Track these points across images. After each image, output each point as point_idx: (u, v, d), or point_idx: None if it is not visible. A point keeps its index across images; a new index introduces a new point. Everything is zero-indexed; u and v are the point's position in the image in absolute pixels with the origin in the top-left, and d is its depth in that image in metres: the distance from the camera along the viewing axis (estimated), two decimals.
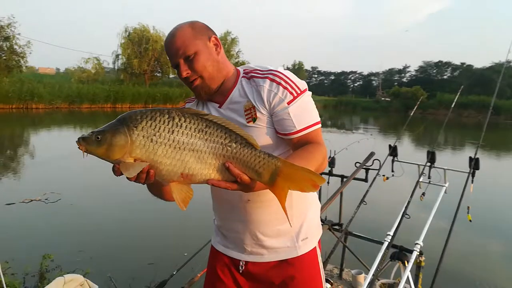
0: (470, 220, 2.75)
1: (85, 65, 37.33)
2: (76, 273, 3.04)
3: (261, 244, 1.33)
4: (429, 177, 3.01)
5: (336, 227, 3.11)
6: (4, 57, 26.98)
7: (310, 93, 1.27)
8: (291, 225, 1.26)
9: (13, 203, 5.76)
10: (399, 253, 2.54)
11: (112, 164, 0.95)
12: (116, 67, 38.82)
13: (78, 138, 0.93)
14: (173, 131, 0.93)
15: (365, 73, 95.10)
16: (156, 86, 34.78)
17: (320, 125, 1.26)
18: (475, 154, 2.90)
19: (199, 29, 1.26)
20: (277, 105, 1.21)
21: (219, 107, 1.31)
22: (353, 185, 3.15)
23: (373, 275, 2.32)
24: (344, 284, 3.08)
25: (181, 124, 0.94)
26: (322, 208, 2.91)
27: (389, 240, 2.50)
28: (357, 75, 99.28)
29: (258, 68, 1.29)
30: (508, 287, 3.66)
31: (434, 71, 75.38)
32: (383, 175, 3.17)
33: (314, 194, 1.43)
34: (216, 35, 1.32)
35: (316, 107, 1.28)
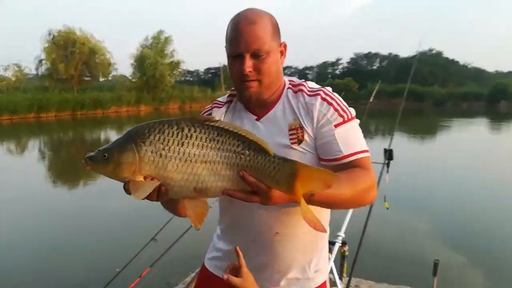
0: (387, 208, 2.90)
1: (5, 72, 34.37)
2: None
3: (278, 278, 1.21)
4: None
5: None
6: None
7: (358, 121, 1.17)
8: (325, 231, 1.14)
9: None
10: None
11: (123, 183, 0.89)
12: (39, 73, 36.21)
13: (84, 158, 0.89)
14: (183, 143, 0.87)
15: (300, 67, 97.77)
16: (85, 92, 32.95)
17: (369, 155, 1.13)
18: (389, 145, 3.06)
19: (277, 29, 1.14)
20: (324, 127, 1.10)
21: (257, 119, 1.17)
22: None
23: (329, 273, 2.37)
24: None
25: (191, 134, 0.88)
26: None
27: (340, 241, 2.58)
28: (292, 69, 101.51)
29: (307, 83, 1.19)
30: (423, 263, 3.92)
31: (365, 62, 79.34)
32: None
33: (326, 222, 1.26)
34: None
35: None
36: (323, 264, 1.28)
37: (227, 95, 1.28)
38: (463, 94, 45.66)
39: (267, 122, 1.16)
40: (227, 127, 0.91)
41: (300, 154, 1.11)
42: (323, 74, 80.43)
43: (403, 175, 7.97)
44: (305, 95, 1.15)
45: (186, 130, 0.88)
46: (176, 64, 43.78)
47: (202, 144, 0.88)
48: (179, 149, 0.87)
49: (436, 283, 3.22)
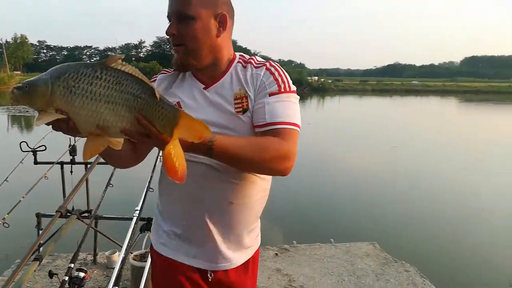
0: None
1: None
2: None
3: (236, 247, 1.25)
4: None
5: (86, 214, 3.08)
6: None
7: (298, 98, 1.18)
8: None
9: None
10: (148, 224, 2.77)
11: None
12: None
13: (12, 89, 0.95)
14: (91, 83, 0.93)
15: (101, 48, 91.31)
16: None
17: (297, 130, 1.11)
18: None
19: None
20: (260, 93, 1.13)
21: (205, 88, 1.18)
22: (99, 170, 3.16)
23: (125, 250, 2.47)
24: (99, 268, 3.13)
25: (101, 76, 0.93)
26: (68, 198, 2.83)
27: (137, 215, 2.69)
28: (92, 50, 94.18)
29: (256, 58, 1.21)
30: None
31: (168, 46, 79.74)
32: None
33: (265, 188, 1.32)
34: (229, 13, 1.15)
35: None
36: (259, 227, 1.36)
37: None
38: None
39: (214, 91, 1.18)
40: (134, 73, 0.95)
41: (244, 122, 1.14)
42: (127, 56, 77.24)
43: None
44: (253, 67, 1.18)
45: (98, 72, 0.94)
46: None
47: (108, 86, 0.93)
48: (87, 88, 0.93)
49: None
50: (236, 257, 1.26)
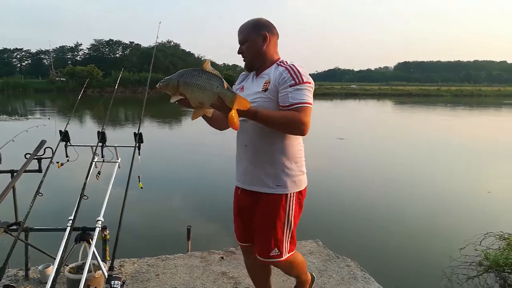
0: (142, 187, 3.13)
1: None
2: None
3: (249, 178, 1.99)
4: (102, 156, 3.17)
5: (14, 227, 2.84)
6: None
7: (313, 87, 1.84)
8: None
9: None
10: (83, 234, 2.62)
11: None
12: None
13: (159, 82, 1.65)
14: (197, 79, 1.60)
15: (33, 50, 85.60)
16: None
17: (310, 106, 1.77)
18: (138, 129, 3.24)
19: (259, 25, 1.91)
20: (282, 85, 1.80)
21: (255, 77, 1.96)
22: (27, 179, 2.94)
23: (59, 263, 2.31)
24: (32, 284, 2.91)
25: (201, 75, 1.60)
26: None
27: (70, 225, 2.53)
28: (23, 53, 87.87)
29: (287, 61, 1.89)
30: (178, 232, 4.46)
31: (107, 49, 76.62)
32: (58, 162, 3.09)
33: (295, 153, 1.96)
34: (270, 31, 1.92)
35: None
36: (285, 183, 1.93)
37: None
38: None
39: (259, 79, 1.94)
40: (217, 74, 1.63)
41: (264, 97, 1.85)
42: (62, 60, 73.19)
43: (154, 156, 8.49)
44: (279, 67, 1.87)
45: (200, 73, 1.62)
46: None
47: (204, 81, 1.61)
48: (194, 82, 1.61)
49: (190, 246, 3.74)
50: (250, 184, 1.99)
